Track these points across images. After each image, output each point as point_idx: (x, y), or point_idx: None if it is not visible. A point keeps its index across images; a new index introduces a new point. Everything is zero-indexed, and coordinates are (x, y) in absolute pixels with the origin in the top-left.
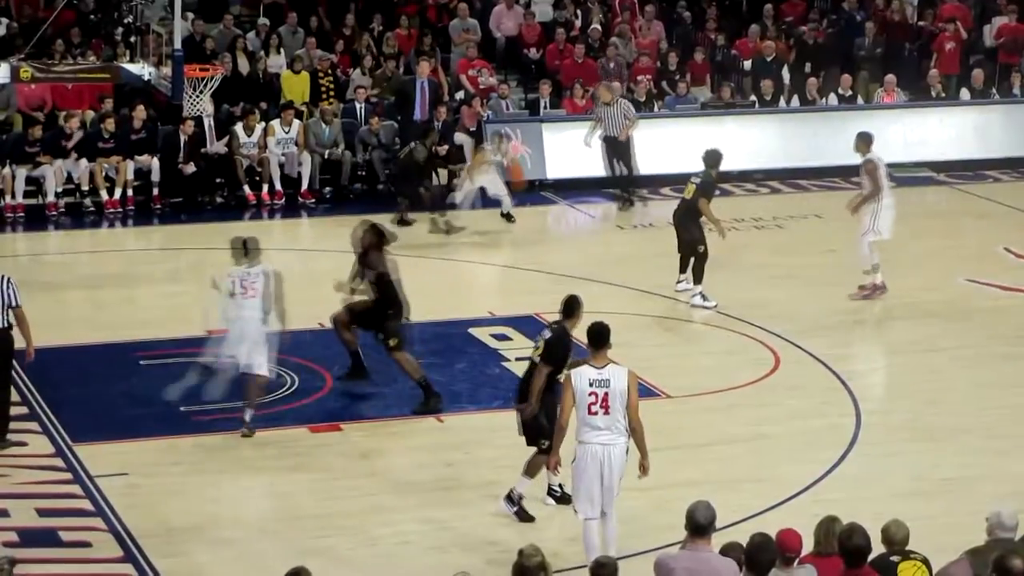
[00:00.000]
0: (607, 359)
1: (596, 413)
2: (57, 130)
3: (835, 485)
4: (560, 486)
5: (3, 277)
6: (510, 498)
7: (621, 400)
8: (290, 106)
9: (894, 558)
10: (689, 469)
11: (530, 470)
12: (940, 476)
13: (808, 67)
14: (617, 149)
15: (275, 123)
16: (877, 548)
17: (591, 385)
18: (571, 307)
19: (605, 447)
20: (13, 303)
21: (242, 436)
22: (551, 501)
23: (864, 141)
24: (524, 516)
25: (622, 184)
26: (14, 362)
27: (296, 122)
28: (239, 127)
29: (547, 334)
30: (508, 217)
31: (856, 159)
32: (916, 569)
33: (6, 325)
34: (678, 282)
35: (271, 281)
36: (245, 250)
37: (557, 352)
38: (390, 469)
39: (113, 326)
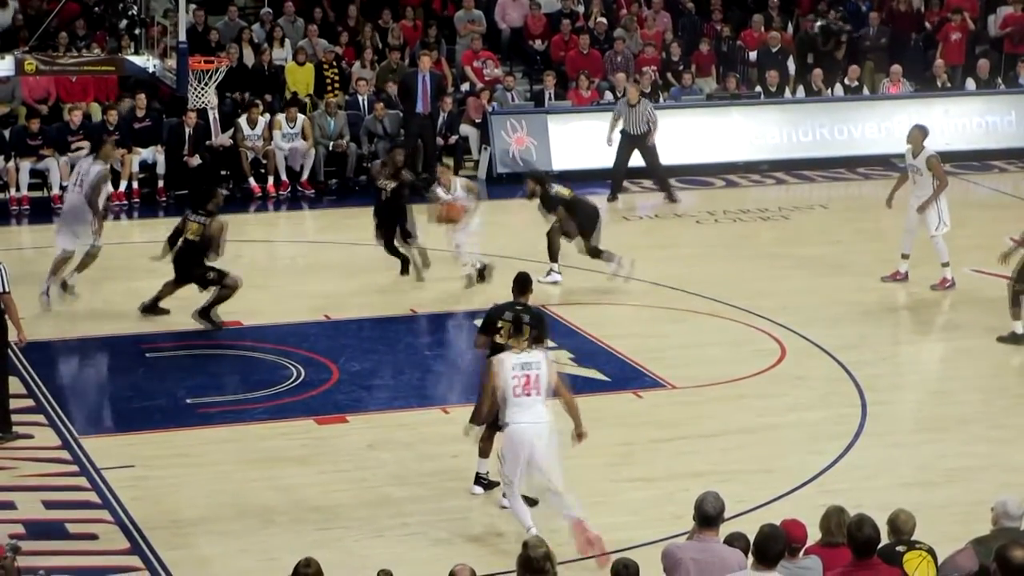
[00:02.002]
0: (525, 345)
1: (521, 395)
2: (62, 124)
3: (841, 475)
4: (487, 474)
5: None
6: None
7: (546, 381)
8: (295, 102)
9: (900, 548)
10: (695, 460)
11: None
12: (946, 466)
13: (811, 58)
14: (642, 150)
15: (280, 117)
16: (883, 538)
17: (515, 369)
18: (525, 284)
19: (533, 425)
20: (2, 289)
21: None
22: (479, 490)
23: (924, 133)
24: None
25: (658, 183)
26: (20, 354)
27: (300, 117)
28: (243, 120)
29: (526, 317)
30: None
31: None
32: (921, 559)
33: None
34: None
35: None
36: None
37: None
38: (396, 461)
39: (118, 319)
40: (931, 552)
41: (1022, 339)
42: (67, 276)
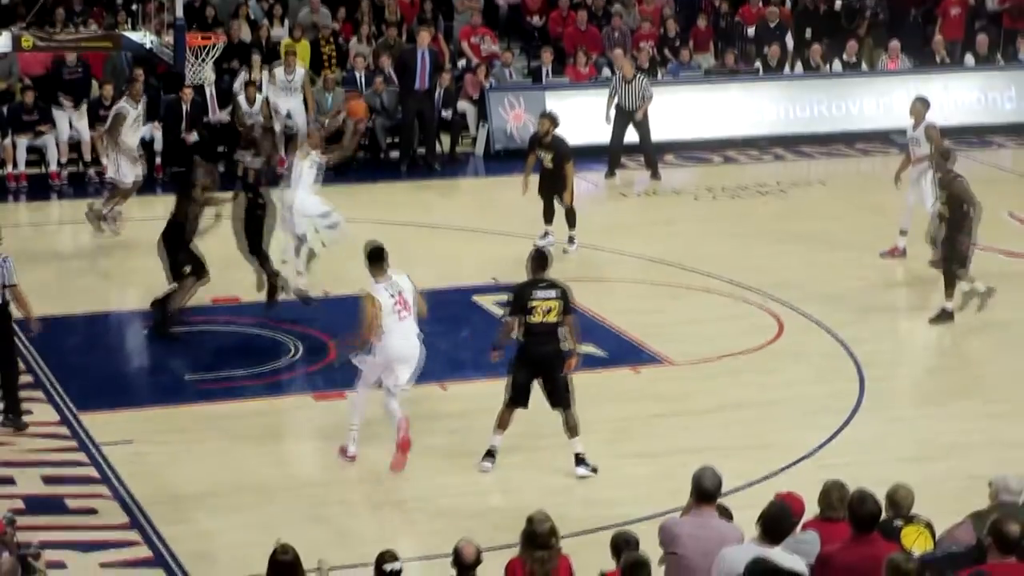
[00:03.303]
0: (385, 273)
1: (401, 314)
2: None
3: (838, 450)
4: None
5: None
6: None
7: (412, 297)
8: (294, 52)
9: (897, 522)
10: (693, 435)
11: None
12: (943, 441)
13: (809, 33)
14: (635, 125)
15: (277, 69)
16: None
17: (391, 296)
18: (378, 255)
19: (406, 341)
20: (9, 282)
21: None
22: (488, 465)
23: (926, 105)
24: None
25: (646, 160)
26: (18, 332)
27: (300, 70)
28: (241, 98)
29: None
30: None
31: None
32: (919, 534)
33: (2, 301)
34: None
35: None
36: None
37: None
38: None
39: (117, 295)
40: (929, 526)
41: (952, 317)
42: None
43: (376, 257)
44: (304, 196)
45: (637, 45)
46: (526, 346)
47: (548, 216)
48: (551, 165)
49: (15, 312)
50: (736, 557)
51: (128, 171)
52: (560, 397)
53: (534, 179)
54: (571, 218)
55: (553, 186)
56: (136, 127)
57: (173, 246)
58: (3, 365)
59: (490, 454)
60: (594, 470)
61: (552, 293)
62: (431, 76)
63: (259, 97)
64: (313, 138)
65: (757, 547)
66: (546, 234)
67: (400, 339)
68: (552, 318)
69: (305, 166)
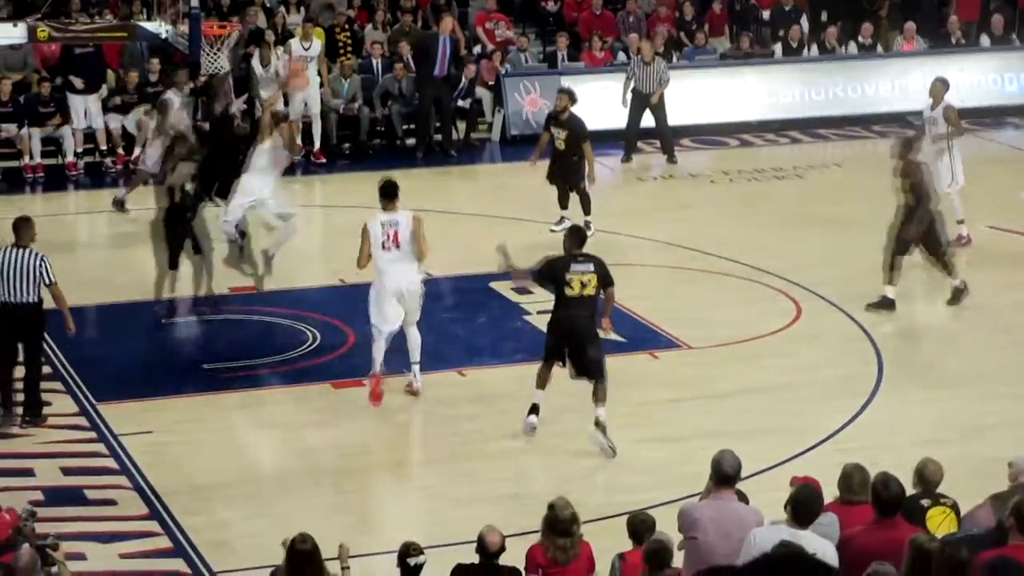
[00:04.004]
0: (395, 208)
1: (389, 248)
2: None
3: (857, 433)
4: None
5: (36, 254)
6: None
7: (410, 236)
8: (311, 20)
9: (924, 502)
10: (711, 419)
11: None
12: (961, 423)
13: (825, 15)
14: (652, 109)
15: (293, 41)
16: (908, 488)
17: (383, 227)
18: (384, 190)
19: (398, 275)
20: (47, 280)
21: None
22: (534, 420)
23: (946, 86)
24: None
25: (663, 144)
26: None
27: (318, 42)
28: (255, 61)
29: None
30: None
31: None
32: (944, 516)
33: (37, 300)
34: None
35: None
36: None
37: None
38: (413, 424)
39: (135, 285)
40: (955, 508)
41: (893, 304)
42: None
43: (383, 191)
44: (248, 179)
45: (653, 28)
46: (560, 319)
47: (563, 201)
48: (563, 146)
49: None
50: (767, 537)
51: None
52: (592, 369)
53: (543, 162)
54: (586, 203)
55: (563, 170)
56: (181, 116)
57: (175, 229)
58: (28, 363)
59: (534, 410)
60: (612, 449)
61: (589, 267)
62: (451, 63)
63: (274, 60)
64: (267, 125)
65: (788, 529)
66: (562, 219)
67: (384, 273)
68: (589, 291)
69: (261, 149)
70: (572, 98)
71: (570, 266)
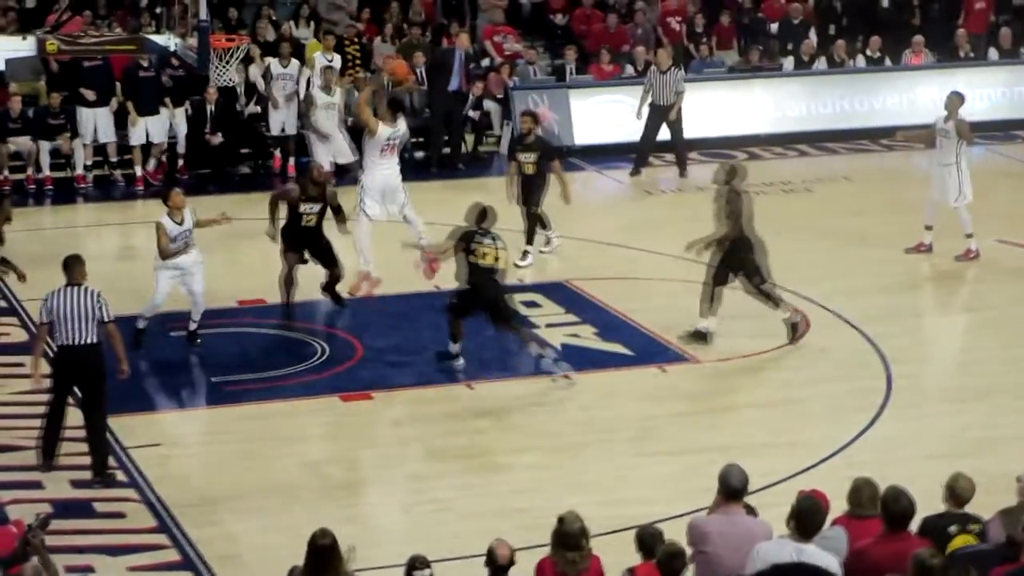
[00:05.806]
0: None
1: (385, 152)
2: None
3: (866, 447)
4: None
5: (92, 291)
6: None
7: (401, 142)
8: (287, 40)
9: (952, 528)
10: (720, 433)
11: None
12: (971, 437)
13: (833, 29)
14: (668, 124)
15: (272, 61)
16: (933, 507)
17: (388, 139)
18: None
19: (390, 172)
20: (105, 318)
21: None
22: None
23: (961, 100)
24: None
25: (677, 158)
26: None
27: (295, 61)
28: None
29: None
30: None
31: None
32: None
33: (96, 340)
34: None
35: None
36: None
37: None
38: (422, 437)
39: (142, 298)
40: (982, 535)
41: (709, 338)
42: None
43: (390, 104)
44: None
45: (663, 40)
46: (470, 289)
47: (531, 236)
48: (532, 170)
49: None
50: (771, 551)
51: (321, 154)
52: (504, 320)
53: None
54: (543, 222)
55: (533, 195)
56: (330, 114)
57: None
58: (90, 411)
59: (450, 356)
60: (542, 355)
61: (499, 244)
62: (467, 78)
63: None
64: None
65: (792, 542)
66: (527, 254)
67: (379, 172)
68: (495, 263)
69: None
70: (536, 120)
71: (476, 238)
